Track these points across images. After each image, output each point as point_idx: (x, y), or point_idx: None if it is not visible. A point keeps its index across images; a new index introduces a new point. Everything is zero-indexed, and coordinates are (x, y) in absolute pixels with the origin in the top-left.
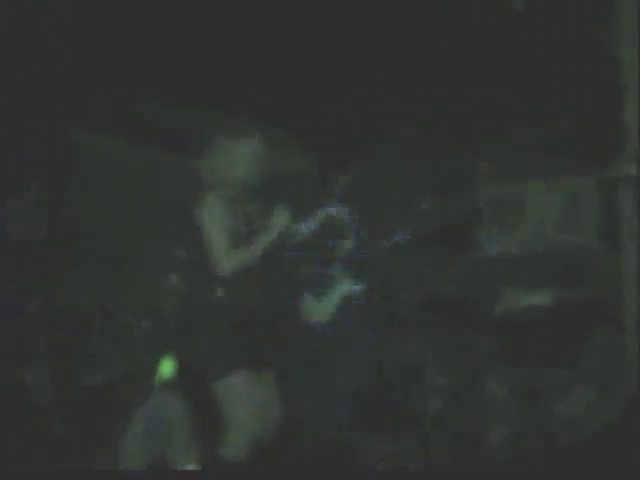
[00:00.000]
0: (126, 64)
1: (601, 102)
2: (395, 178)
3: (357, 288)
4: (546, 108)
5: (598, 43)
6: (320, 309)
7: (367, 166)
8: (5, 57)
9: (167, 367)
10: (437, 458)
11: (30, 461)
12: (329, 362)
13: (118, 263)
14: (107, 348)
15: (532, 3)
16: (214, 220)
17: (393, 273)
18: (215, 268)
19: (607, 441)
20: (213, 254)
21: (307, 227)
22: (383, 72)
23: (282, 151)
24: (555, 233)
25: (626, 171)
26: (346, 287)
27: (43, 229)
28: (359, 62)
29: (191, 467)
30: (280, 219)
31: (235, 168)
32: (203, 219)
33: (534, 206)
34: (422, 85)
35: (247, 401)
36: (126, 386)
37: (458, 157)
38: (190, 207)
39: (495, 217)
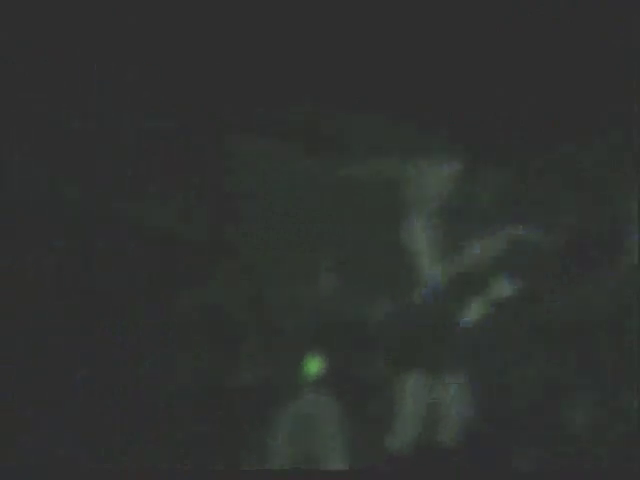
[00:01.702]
0: None
1: None
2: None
3: (511, 289)
4: None
5: None
6: (474, 309)
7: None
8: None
9: (314, 366)
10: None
11: (174, 462)
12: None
13: (266, 264)
14: (254, 347)
15: None
16: (416, 233)
17: (546, 277)
18: (418, 277)
19: None
20: (417, 264)
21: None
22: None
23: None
24: None
25: None
26: (500, 286)
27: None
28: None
29: (340, 466)
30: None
31: (436, 187)
32: (405, 231)
33: None
34: None
35: (422, 401)
36: (273, 385)
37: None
38: (392, 219)
39: None
